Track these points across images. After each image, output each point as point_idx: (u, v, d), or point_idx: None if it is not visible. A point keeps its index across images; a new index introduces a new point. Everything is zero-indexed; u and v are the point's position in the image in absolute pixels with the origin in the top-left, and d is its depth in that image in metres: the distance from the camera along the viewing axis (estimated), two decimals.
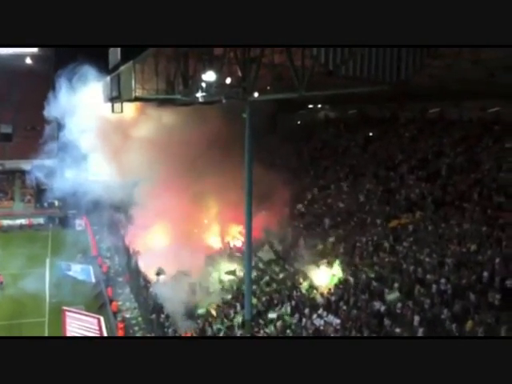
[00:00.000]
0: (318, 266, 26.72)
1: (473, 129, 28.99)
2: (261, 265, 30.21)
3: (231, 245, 35.45)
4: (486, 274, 18.99)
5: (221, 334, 24.37)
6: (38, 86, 37.49)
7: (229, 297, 28.34)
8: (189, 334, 24.86)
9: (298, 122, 48.67)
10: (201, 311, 27.25)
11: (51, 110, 36.76)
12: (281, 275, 28.23)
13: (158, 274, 32.72)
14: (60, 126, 37.14)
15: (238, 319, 25.28)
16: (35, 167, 51.42)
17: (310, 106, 44.50)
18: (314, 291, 25.21)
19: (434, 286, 19.86)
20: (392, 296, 20.96)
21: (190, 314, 27.86)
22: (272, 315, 23.98)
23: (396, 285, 21.37)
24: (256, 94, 22.44)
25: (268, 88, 25.04)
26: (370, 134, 37.43)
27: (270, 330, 23.32)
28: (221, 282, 30.36)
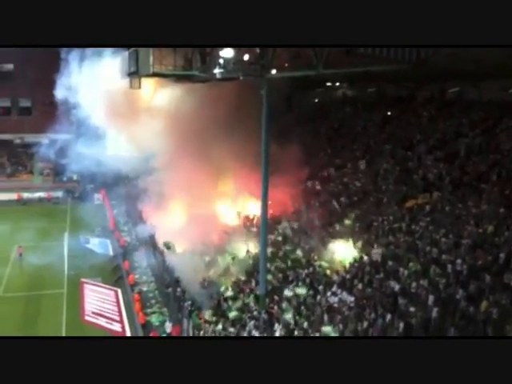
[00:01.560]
0: (334, 244, 26.87)
1: (492, 109, 28.63)
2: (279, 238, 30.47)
3: (247, 220, 35.67)
4: (502, 255, 18.95)
5: (234, 312, 24.66)
6: (56, 60, 37.55)
7: (244, 273, 28.60)
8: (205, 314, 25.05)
9: (316, 100, 48.34)
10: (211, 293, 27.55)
11: (68, 85, 36.89)
12: (296, 252, 28.40)
13: (167, 247, 33.09)
14: (77, 101, 37.24)
15: (253, 295, 25.58)
16: (54, 141, 51.93)
17: (328, 84, 44.07)
18: (328, 269, 25.39)
19: (450, 266, 19.89)
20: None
21: (206, 289, 28.25)
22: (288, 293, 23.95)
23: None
24: (274, 71, 22.39)
25: (286, 65, 24.92)
26: (388, 113, 37.11)
27: (288, 313, 23.41)
28: (236, 257, 30.63)
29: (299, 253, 28.19)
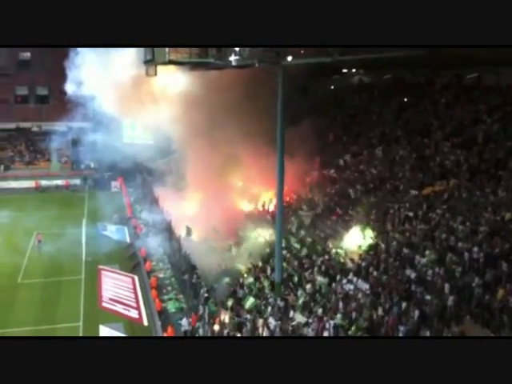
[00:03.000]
0: (349, 231, 26.83)
1: (511, 95, 28.20)
2: (293, 229, 30.47)
3: (263, 208, 35.70)
4: None
5: (251, 299, 24.72)
6: (72, 48, 37.66)
7: (260, 260, 28.67)
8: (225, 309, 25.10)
9: (332, 87, 48.03)
10: (227, 280, 27.75)
11: (84, 74, 37.02)
12: (311, 240, 28.38)
13: (188, 233, 33.34)
14: (94, 90, 37.35)
15: (268, 282, 25.64)
16: (71, 129, 52.30)
17: (344, 70, 43.72)
18: (343, 257, 25.38)
19: (466, 254, 19.78)
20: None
21: (222, 276, 28.39)
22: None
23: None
24: (289, 58, 22.26)
25: (301, 52, 24.75)
26: (405, 99, 36.74)
27: (301, 299, 23.45)
28: (252, 244, 30.70)
29: (315, 240, 28.18)
